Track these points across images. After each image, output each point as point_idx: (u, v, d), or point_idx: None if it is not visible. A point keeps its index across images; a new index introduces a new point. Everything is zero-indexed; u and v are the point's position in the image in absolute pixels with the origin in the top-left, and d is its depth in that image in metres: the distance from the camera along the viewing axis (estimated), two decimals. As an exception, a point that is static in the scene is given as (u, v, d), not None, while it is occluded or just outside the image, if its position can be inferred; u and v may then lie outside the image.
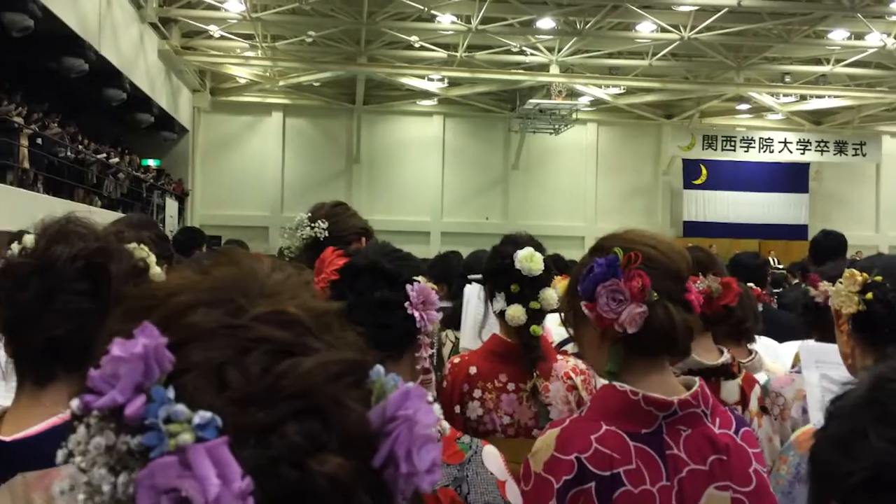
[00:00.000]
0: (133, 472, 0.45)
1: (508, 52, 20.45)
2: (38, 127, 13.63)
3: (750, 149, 24.06)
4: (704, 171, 25.12)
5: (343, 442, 0.48)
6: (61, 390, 1.13)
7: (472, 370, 2.24)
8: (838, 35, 19.52)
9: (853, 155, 24.10)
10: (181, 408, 0.45)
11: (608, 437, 1.33)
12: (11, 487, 1.00)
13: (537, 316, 2.23)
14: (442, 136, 24.66)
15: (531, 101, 20.85)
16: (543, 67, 20.79)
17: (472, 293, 2.88)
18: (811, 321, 2.23)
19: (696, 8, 17.95)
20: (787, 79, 21.27)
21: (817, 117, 24.51)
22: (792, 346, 2.79)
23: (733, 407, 2.07)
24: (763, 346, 2.84)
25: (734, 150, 24.12)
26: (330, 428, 0.48)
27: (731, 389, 2.12)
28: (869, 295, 1.57)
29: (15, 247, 1.16)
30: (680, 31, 18.68)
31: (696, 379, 1.42)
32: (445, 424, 1.18)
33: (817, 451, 0.78)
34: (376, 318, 1.33)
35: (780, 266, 14.91)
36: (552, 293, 2.24)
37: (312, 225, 2.39)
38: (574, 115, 21.52)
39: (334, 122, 24.40)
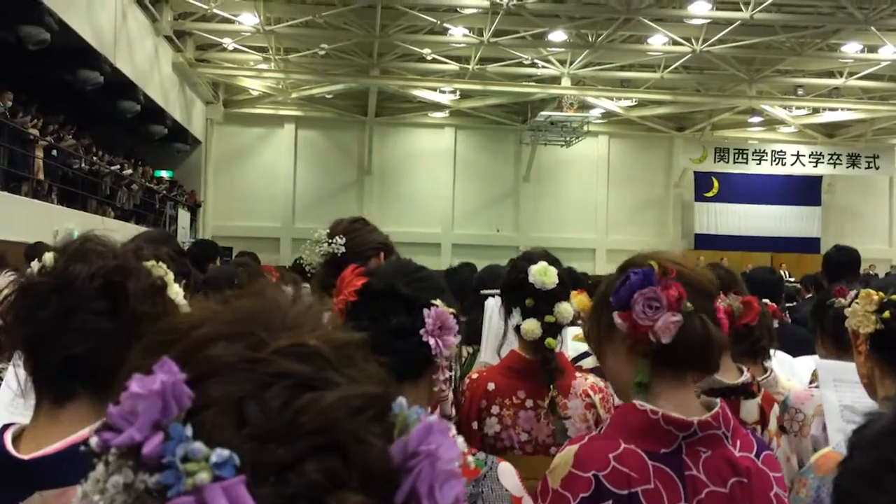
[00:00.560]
0: (151, 511, 0.44)
1: (520, 64, 20.54)
2: (54, 139, 13.76)
3: (762, 161, 24.03)
4: (716, 184, 25.10)
5: (364, 479, 0.47)
6: (80, 409, 1.13)
7: (491, 386, 2.24)
8: (851, 48, 19.51)
9: (866, 168, 24.01)
10: (199, 446, 0.44)
11: (627, 456, 1.31)
12: (30, 506, 1.00)
13: (553, 330, 2.22)
14: (453, 148, 24.76)
15: (543, 113, 20.91)
16: (555, 80, 20.87)
17: (494, 308, 2.87)
18: (832, 332, 2.19)
19: (709, 21, 17.97)
20: (800, 91, 21.26)
21: (830, 130, 24.45)
22: (806, 361, 2.77)
23: (753, 426, 2.05)
24: (778, 361, 2.81)
25: (746, 163, 24.09)
26: (350, 465, 0.47)
27: (750, 409, 2.10)
28: (886, 314, 1.55)
29: (35, 265, 1.17)
30: (692, 44, 18.70)
31: (717, 400, 1.42)
32: (460, 440, 1.17)
33: (842, 483, 0.77)
34: (392, 345, 1.31)
35: (793, 279, 14.83)
36: (567, 307, 2.24)
37: (330, 241, 2.39)
38: (585, 128, 21.57)
39: (346, 133, 24.55)
